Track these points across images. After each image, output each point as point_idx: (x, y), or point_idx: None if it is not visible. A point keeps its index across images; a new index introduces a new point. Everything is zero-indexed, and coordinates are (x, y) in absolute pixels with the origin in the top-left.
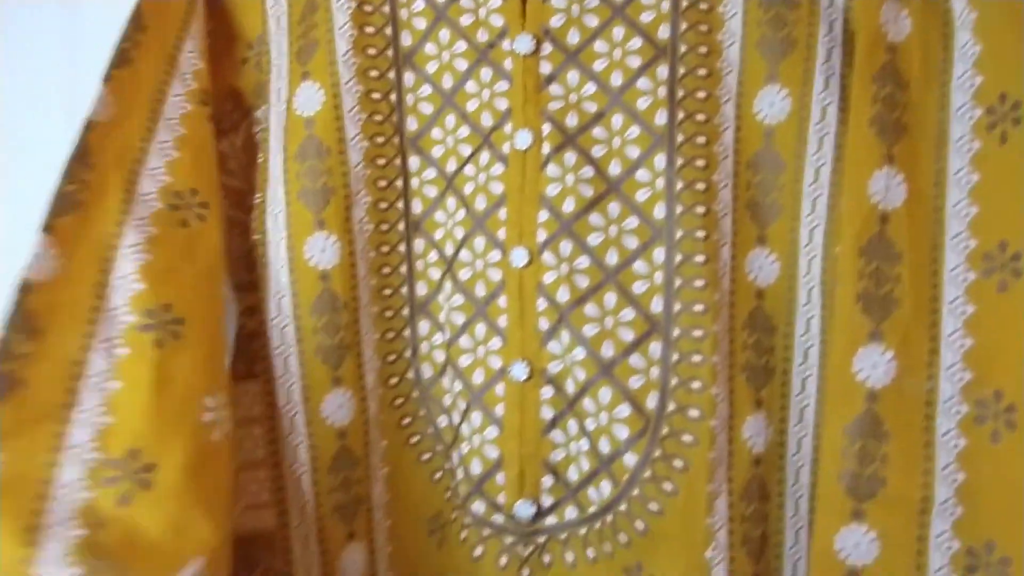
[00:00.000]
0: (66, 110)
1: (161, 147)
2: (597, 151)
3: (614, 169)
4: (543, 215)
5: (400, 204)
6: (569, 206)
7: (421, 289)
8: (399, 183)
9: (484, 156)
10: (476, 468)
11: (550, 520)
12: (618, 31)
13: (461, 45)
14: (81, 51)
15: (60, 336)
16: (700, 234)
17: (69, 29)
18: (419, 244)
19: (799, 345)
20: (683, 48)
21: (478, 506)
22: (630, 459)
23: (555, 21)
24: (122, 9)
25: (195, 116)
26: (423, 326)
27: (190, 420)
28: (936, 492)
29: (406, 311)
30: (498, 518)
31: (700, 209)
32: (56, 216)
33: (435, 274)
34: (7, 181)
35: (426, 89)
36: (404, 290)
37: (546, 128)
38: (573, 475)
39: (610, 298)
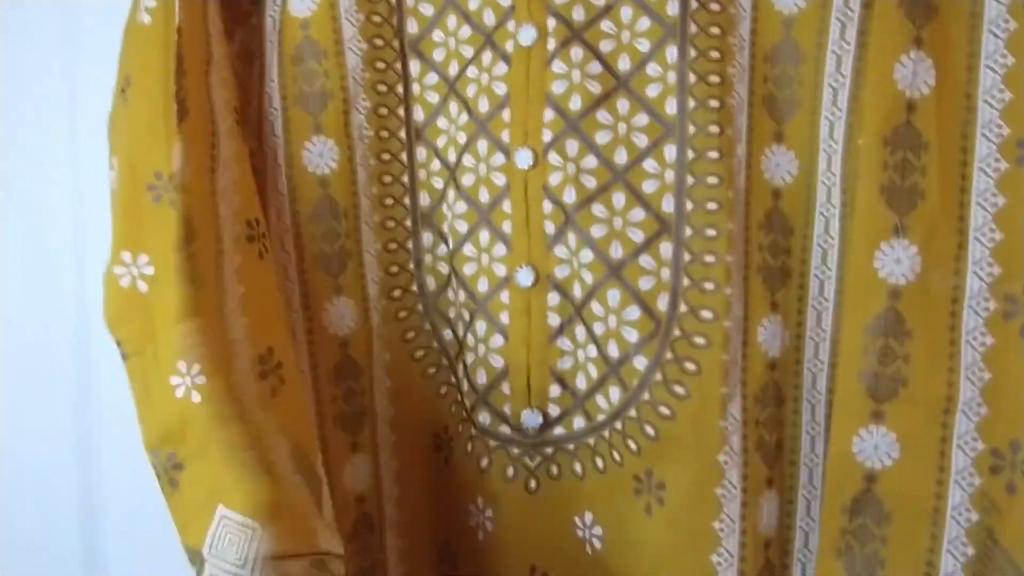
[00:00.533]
0: (67, 112)
1: (216, 62)
2: (605, 46)
3: (623, 64)
4: (548, 114)
5: (401, 111)
6: (576, 104)
7: (424, 199)
8: (399, 89)
9: (487, 56)
10: (481, 378)
11: (557, 430)
12: None
13: None
14: (80, 50)
15: (205, 239)
16: (714, 129)
17: (68, 28)
18: (421, 152)
19: (817, 246)
20: None
21: (484, 417)
22: (640, 362)
23: None
24: (120, 10)
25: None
26: (426, 237)
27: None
28: (960, 392)
29: (408, 222)
30: (504, 429)
31: (714, 103)
32: (179, 120)
33: (438, 183)
34: (9, 185)
35: None
36: (407, 200)
37: (551, 23)
38: (581, 383)
39: (619, 198)
